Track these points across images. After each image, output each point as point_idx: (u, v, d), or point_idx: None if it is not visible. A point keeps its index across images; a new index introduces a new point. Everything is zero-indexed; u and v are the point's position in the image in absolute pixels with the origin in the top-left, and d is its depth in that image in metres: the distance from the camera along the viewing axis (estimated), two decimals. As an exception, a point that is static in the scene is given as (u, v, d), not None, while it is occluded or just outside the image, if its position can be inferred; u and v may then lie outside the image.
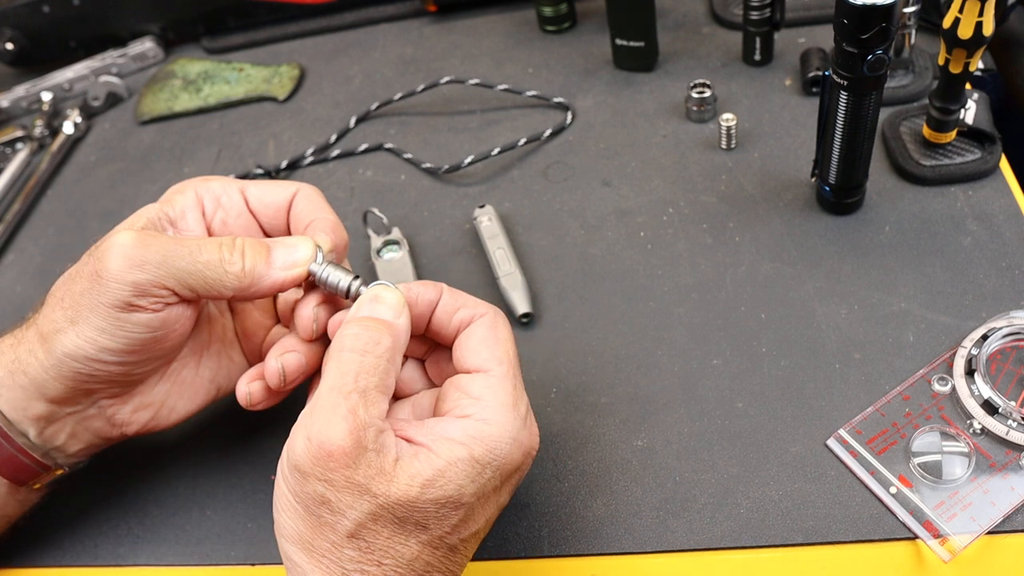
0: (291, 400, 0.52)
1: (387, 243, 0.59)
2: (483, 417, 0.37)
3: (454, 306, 0.41)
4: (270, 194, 0.45)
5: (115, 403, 0.43)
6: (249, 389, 0.43)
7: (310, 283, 0.42)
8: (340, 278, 0.41)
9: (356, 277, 0.41)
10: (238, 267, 0.40)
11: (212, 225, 0.44)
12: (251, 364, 0.47)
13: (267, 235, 0.45)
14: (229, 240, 0.40)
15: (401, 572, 0.35)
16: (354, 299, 0.41)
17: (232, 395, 0.52)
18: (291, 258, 0.41)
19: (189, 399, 0.45)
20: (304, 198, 0.45)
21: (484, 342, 0.40)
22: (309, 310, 0.41)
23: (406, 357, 0.44)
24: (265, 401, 0.43)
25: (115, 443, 0.46)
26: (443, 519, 0.35)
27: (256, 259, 0.40)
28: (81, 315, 0.39)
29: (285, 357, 0.42)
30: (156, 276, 0.38)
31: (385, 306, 0.39)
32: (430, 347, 0.44)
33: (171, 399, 0.45)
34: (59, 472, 0.44)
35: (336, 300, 0.43)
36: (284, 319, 0.47)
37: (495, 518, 0.39)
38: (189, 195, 0.43)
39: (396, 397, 0.44)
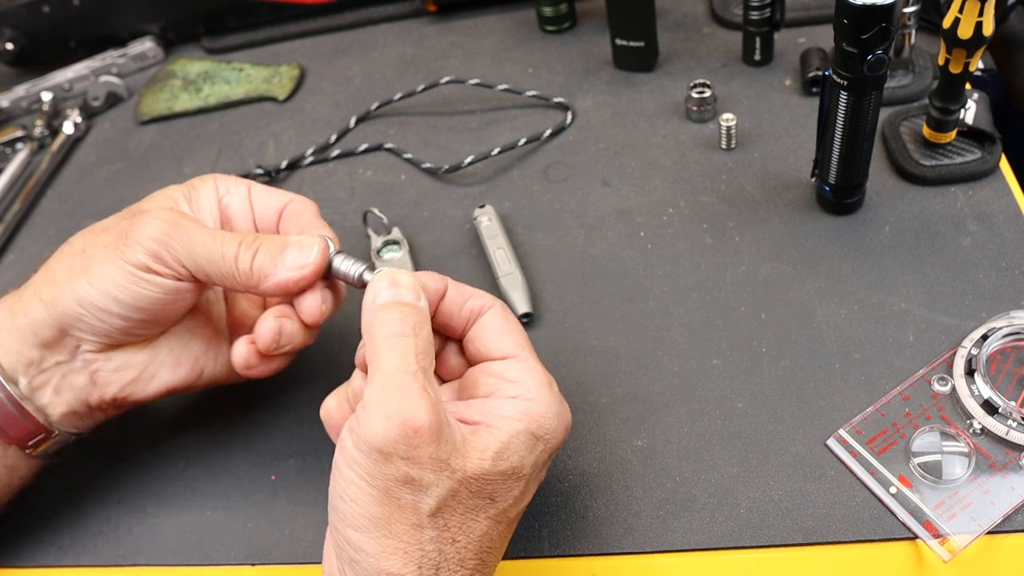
0: (290, 402, 0.52)
1: (387, 243, 0.59)
2: (529, 397, 0.38)
3: (462, 298, 0.42)
4: (269, 197, 0.47)
5: (99, 358, 0.44)
6: (247, 351, 0.44)
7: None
8: (354, 268, 0.43)
9: (370, 267, 0.43)
10: (246, 266, 0.42)
11: (221, 210, 0.47)
12: None
13: (259, 231, 0.47)
14: (250, 238, 0.42)
15: (472, 548, 0.35)
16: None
17: (227, 393, 0.52)
18: (299, 260, 0.42)
19: (172, 370, 0.46)
20: (297, 205, 0.47)
21: (503, 331, 0.41)
22: (316, 294, 0.43)
23: None
24: (259, 367, 0.45)
25: (97, 417, 0.46)
26: (508, 491, 0.37)
27: (265, 258, 0.42)
28: (99, 266, 0.41)
29: (283, 321, 0.43)
30: (177, 255, 0.42)
31: (406, 289, 0.39)
32: (439, 343, 0.44)
33: (154, 366, 0.45)
34: (55, 437, 0.44)
35: (338, 284, 0.45)
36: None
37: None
38: (209, 185, 0.47)
39: None
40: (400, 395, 0.35)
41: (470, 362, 0.42)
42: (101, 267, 0.41)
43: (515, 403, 0.38)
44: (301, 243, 0.43)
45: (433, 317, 0.42)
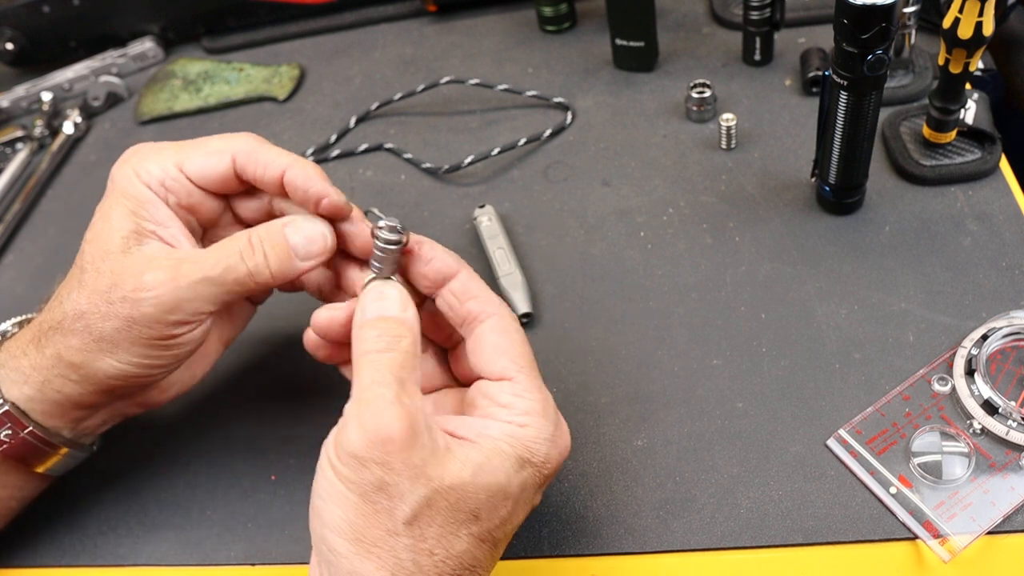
0: (291, 403, 0.52)
1: (387, 243, 0.59)
2: (520, 423, 0.38)
3: (468, 293, 0.41)
4: (209, 167, 0.43)
5: (151, 391, 0.45)
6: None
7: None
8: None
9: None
10: (266, 276, 0.41)
11: (172, 208, 0.43)
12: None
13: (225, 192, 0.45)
14: (247, 247, 0.40)
15: (451, 565, 0.35)
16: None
17: (227, 394, 0.53)
18: (311, 249, 0.42)
19: (206, 363, 0.47)
20: (248, 159, 0.43)
21: (499, 349, 0.40)
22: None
23: (434, 344, 0.45)
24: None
25: None
26: (493, 510, 0.36)
27: (280, 260, 0.41)
28: (121, 346, 0.40)
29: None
30: (193, 308, 0.40)
31: (390, 302, 0.39)
32: (451, 337, 0.44)
33: (191, 369, 0.46)
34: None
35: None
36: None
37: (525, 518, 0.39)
38: (147, 192, 0.42)
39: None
40: (372, 407, 0.35)
41: (471, 371, 0.42)
42: (125, 347, 0.40)
43: (503, 427, 0.38)
44: (300, 230, 0.41)
45: (438, 295, 0.42)
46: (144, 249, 0.40)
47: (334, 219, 0.43)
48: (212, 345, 0.47)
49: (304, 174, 0.42)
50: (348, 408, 0.36)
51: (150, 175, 0.42)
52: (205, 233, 0.45)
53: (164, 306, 0.39)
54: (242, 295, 0.41)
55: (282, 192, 0.43)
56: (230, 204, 0.46)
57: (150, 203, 0.42)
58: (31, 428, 0.42)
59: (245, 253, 0.40)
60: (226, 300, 0.41)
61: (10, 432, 0.42)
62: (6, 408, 0.41)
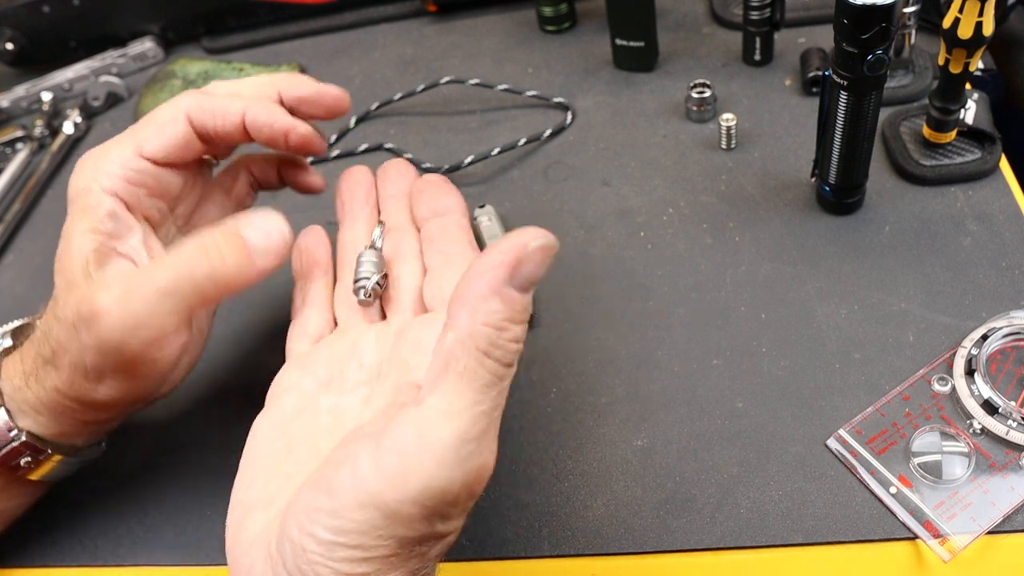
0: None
1: (387, 243, 0.59)
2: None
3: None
4: (167, 138, 0.40)
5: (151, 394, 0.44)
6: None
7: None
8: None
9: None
10: (226, 276, 0.37)
11: (143, 210, 0.41)
12: None
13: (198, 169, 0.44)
14: (200, 252, 0.37)
15: None
16: None
17: (227, 392, 0.53)
18: (268, 244, 0.38)
19: (201, 339, 0.45)
20: (201, 112, 0.40)
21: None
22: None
23: None
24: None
25: None
26: None
27: (238, 260, 0.37)
28: (106, 374, 0.39)
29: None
30: (156, 323, 0.36)
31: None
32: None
33: (189, 352, 0.44)
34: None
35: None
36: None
37: None
38: (108, 203, 0.39)
39: None
40: (482, 441, 0.28)
41: None
42: (110, 374, 0.39)
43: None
44: (254, 225, 0.38)
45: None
46: (105, 272, 0.38)
47: (305, 153, 0.41)
48: (202, 321, 0.45)
49: (267, 111, 0.40)
50: (436, 420, 0.28)
51: (112, 179, 0.39)
52: (183, 212, 0.44)
53: (124, 327, 0.36)
54: (205, 304, 0.38)
55: (246, 139, 0.41)
56: (200, 168, 0.44)
57: (109, 216, 0.39)
58: (49, 451, 0.42)
59: (198, 258, 0.37)
60: (188, 310, 0.37)
61: (29, 460, 0.42)
62: (23, 439, 0.41)
